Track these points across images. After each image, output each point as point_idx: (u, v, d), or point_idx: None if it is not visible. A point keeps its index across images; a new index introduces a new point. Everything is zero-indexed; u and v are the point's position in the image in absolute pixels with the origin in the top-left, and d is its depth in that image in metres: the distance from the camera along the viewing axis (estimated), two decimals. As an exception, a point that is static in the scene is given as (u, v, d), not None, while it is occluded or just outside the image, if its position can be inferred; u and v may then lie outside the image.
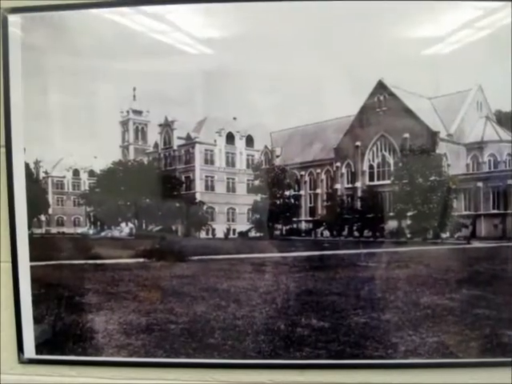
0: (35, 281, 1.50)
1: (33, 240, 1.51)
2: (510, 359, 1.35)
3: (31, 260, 1.49)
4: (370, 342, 1.40)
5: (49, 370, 1.51)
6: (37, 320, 1.51)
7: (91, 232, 1.69)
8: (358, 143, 1.66)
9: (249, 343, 1.44)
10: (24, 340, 1.51)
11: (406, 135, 1.54)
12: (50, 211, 1.68)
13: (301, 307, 1.47)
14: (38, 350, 1.52)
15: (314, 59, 1.43)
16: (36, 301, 1.50)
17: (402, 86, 1.53)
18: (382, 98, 1.55)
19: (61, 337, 1.51)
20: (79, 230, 1.69)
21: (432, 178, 1.55)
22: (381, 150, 1.65)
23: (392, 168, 1.61)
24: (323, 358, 1.40)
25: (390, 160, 1.62)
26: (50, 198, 1.68)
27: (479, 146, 1.58)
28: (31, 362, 1.51)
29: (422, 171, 1.55)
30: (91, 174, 1.68)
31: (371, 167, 1.68)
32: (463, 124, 1.60)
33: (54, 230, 1.69)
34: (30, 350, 1.51)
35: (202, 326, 1.47)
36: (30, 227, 1.51)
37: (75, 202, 1.70)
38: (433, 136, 1.56)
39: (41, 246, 1.56)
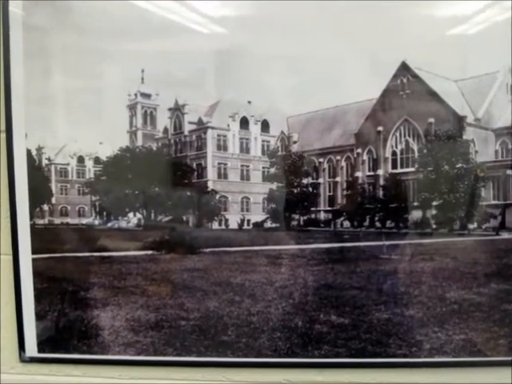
0: (37, 275, 1.46)
1: (35, 231, 1.47)
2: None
3: (33, 252, 1.45)
4: (392, 339, 1.36)
5: (52, 370, 1.48)
6: (39, 316, 1.47)
7: (97, 223, 1.69)
8: (380, 128, 1.63)
9: (264, 341, 1.40)
10: (25, 337, 1.47)
11: (431, 120, 1.51)
12: (53, 200, 1.66)
13: (319, 302, 1.44)
14: (41, 348, 1.48)
15: (333, 39, 1.40)
16: (38, 296, 1.47)
17: (426, 68, 1.51)
18: (405, 80, 1.53)
19: (64, 334, 1.48)
20: (84, 221, 1.69)
21: (459, 166, 1.53)
22: (404, 136, 1.63)
23: (416, 155, 1.60)
24: (343, 356, 1.36)
25: (414, 146, 1.60)
26: (53, 186, 1.66)
27: (509, 131, 1.52)
28: (33, 360, 1.48)
29: (448, 158, 1.53)
30: (97, 161, 1.66)
31: (394, 154, 1.66)
32: (492, 108, 1.56)
33: (57, 221, 1.67)
34: (31, 348, 1.47)
35: (215, 323, 1.44)
36: (31, 218, 1.46)
37: (80, 190, 1.70)
38: (459, 121, 1.53)
39: (43, 238, 1.53)
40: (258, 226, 1.66)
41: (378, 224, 1.62)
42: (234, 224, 1.73)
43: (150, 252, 1.58)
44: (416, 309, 1.39)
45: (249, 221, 1.72)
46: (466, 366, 1.34)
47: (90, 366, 1.46)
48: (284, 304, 1.45)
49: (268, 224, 1.64)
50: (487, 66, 1.44)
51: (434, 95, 1.54)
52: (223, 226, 1.72)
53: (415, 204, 1.58)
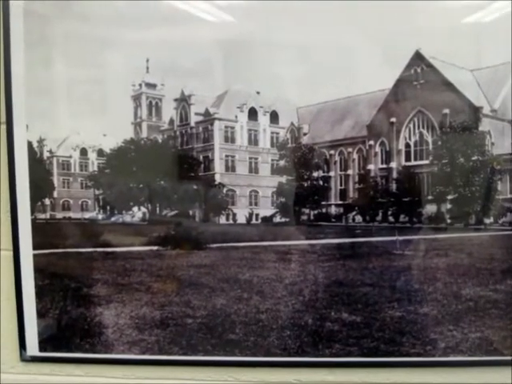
0: (39, 271, 1.45)
1: (36, 226, 1.45)
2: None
3: (34, 248, 1.43)
4: (406, 337, 1.34)
5: (53, 369, 1.46)
6: (40, 314, 1.46)
7: (100, 217, 1.68)
8: (393, 119, 1.62)
9: (273, 339, 1.38)
10: (26, 336, 1.45)
11: (446, 111, 1.49)
12: (55, 194, 1.66)
13: (330, 300, 1.42)
14: (42, 347, 1.46)
15: (345, 28, 1.38)
16: (39, 293, 1.45)
17: (441, 57, 1.49)
18: (419, 69, 1.52)
19: (67, 332, 1.46)
20: (87, 215, 1.68)
21: (474, 158, 1.51)
22: (418, 127, 1.62)
23: (430, 147, 1.58)
24: (355, 355, 1.33)
25: (429, 138, 1.58)
26: (55, 179, 1.66)
27: (526, 123, 1.53)
28: (34, 359, 1.46)
29: (464, 150, 1.51)
30: (100, 153, 1.65)
31: (408, 146, 1.65)
32: (508, 98, 1.51)
33: (59, 215, 1.67)
34: (32, 347, 1.46)
35: (222, 321, 1.42)
36: (32, 212, 1.44)
37: (83, 184, 1.69)
38: (475, 111, 1.52)
39: (45, 233, 1.52)
40: (267, 220, 1.66)
41: (391, 218, 1.61)
42: (242, 218, 1.72)
43: (155, 247, 1.56)
44: (430, 306, 1.37)
45: (257, 215, 1.72)
46: (482, 366, 1.31)
47: (93, 366, 1.44)
48: (294, 301, 1.43)
49: (277, 218, 1.64)
50: (503, 56, 1.39)
51: (448, 85, 1.51)
52: (231, 221, 1.71)
53: (429, 198, 1.57)
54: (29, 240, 1.43)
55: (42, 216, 1.58)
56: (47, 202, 1.62)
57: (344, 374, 1.35)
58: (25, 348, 1.45)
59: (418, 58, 1.50)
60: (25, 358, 1.46)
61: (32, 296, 1.44)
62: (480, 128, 1.49)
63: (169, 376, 1.41)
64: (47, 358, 1.46)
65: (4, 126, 1.39)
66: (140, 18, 1.42)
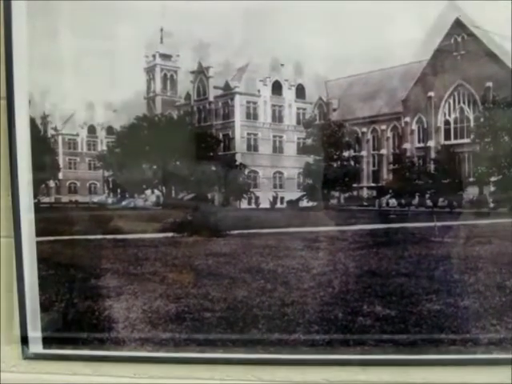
0: (42, 260, 1.40)
1: (39, 210, 1.41)
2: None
3: (37, 235, 1.38)
4: (445, 333, 1.28)
5: (59, 367, 1.40)
6: (44, 307, 1.41)
7: (110, 201, 1.69)
8: (431, 94, 1.59)
9: (299, 335, 1.33)
10: (29, 331, 1.40)
11: (489, 84, 1.46)
12: (61, 176, 1.67)
13: (362, 291, 1.39)
14: (46, 344, 1.41)
15: None
16: (43, 284, 1.40)
17: (483, 26, 1.45)
18: (459, 39, 1.50)
19: (73, 327, 1.43)
20: (95, 199, 1.70)
21: None
22: (459, 103, 1.59)
23: (472, 124, 1.56)
24: (389, 352, 1.27)
25: (470, 114, 1.56)
26: (61, 159, 1.66)
27: None
28: (37, 357, 1.41)
29: (508, 128, 1.47)
30: (110, 131, 1.64)
31: (447, 123, 1.62)
32: None
33: (65, 199, 1.71)
34: (35, 344, 1.40)
35: (243, 315, 1.39)
36: (35, 195, 1.41)
37: (91, 164, 1.69)
38: None
39: (49, 218, 1.49)
40: (293, 204, 1.65)
41: (428, 202, 1.59)
42: (265, 202, 1.71)
43: (170, 234, 1.57)
44: (471, 299, 1.33)
45: (282, 199, 1.71)
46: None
47: (102, 364, 1.39)
48: (322, 293, 1.40)
49: (304, 202, 1.62)
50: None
51: (492, 56, 1.49)
52: (253, 205, 1.71)
53: (471, 180, 1.55)
54: (31, 226, 1.38)
55: (46, 199, 1.57)
56: (52, 184, 1.61)
57: (377, 373, 1.28)
58: (27, 345, 1.40)
59: (458, 26, 1.47)
60: (27, 356, 1.41)
61: (35, 288, 1.40)
62: (526, 103, 1.47)
63: (185, 375, 1.35)
64: (52, 355, 1.41)
65: (4, 102, 1.34)
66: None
